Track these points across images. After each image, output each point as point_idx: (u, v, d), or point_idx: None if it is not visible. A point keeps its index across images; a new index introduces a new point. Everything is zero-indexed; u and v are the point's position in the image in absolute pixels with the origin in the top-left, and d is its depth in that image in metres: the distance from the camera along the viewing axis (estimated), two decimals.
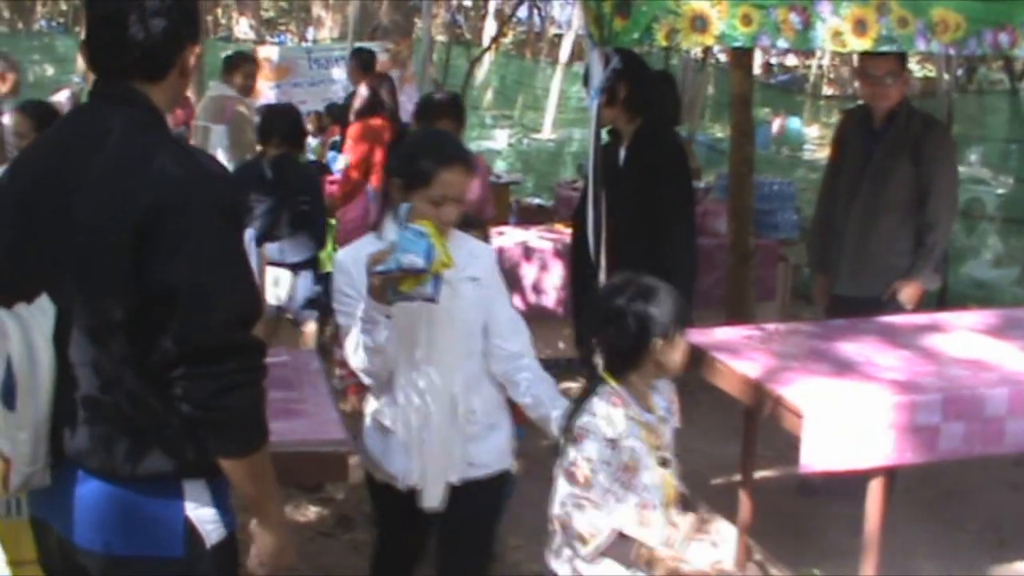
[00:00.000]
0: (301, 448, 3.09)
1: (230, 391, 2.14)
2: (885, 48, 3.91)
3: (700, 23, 3.57)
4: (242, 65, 8.01)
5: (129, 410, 2.19)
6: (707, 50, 11.05)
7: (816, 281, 5.45)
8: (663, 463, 2.91)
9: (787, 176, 10.74)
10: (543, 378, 3.22)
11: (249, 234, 3.60)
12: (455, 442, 3.14)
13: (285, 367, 3.81)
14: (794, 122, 21.17)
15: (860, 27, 3.76)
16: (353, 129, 7.09)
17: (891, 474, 3.71)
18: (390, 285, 2.81)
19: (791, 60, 30.69)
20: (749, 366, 3.87)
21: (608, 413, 2.85)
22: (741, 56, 6.69)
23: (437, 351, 3.10)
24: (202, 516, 2.26)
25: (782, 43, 3.73)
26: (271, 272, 5.63)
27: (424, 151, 3.05)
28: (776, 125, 20.14)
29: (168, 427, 2.18)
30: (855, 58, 5.17)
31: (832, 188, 5.16)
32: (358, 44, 12.60)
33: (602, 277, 3.93)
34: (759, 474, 4.67)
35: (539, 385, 3.19)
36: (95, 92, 2.32)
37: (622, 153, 4.65)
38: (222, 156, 7.59)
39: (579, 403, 2.93)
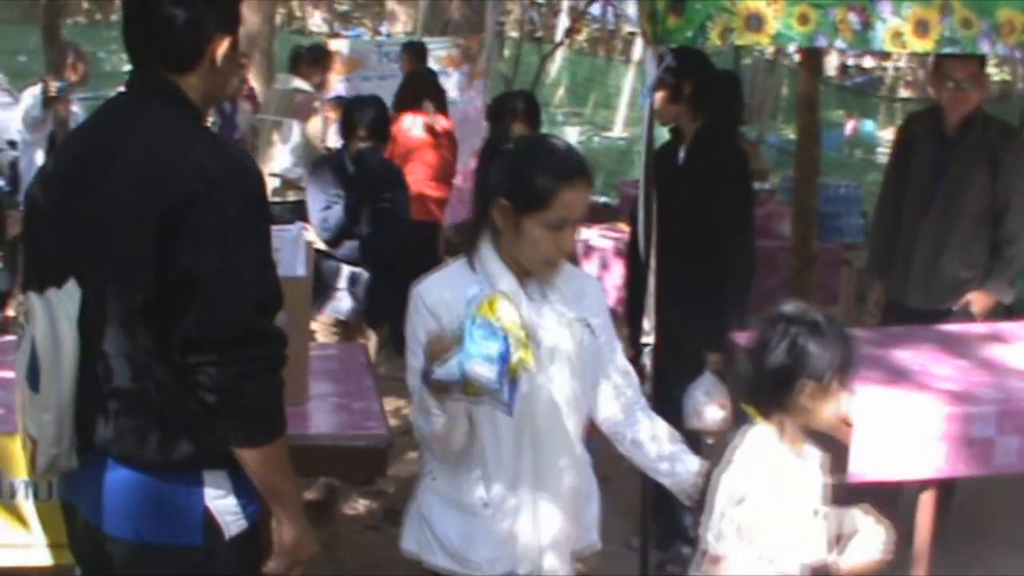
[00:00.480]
0: (340, 442, 3.10)
1: (248, 378, 2.15)
2: (948, 50, 3.81)
3: (755, 22, 3.51)
4: (322, 60, 7.99)
5: (151, 397, 2.21)
6: (779, 50, 10.89)
7: (873, 289, 5.27)
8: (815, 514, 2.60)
9: (859, 180, 10.58)
10: (664, 428, 2.81)
11: (297, 227, 3.62)
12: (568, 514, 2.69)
13: (332, 360, 3.83)
14: (868, 125, 20.81)
15: (921, 28, 3.66)
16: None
17: (945, 488, 3.62)
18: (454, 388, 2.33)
19: (868, 62, 30.22)
20: None
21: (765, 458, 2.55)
22: (810, 57, 6.57)
23: (539, 436, 2.60)
24: (222, 507, 2.27)
25: (839, 43, 3.65)
26: (347, 271, 5.34)
27: (540, 165, 2.50)
28: (849, 127, 19.84)
29: (189, 415, 2.19)
30: (931, 60, 5.02)
31: (895, 195, 4.99)
32: (423, 38, 12.63)
33: (651, 278, 3.88)
34: None
35: (663, 441, 2.77)
36: (130, 82, 2.36)
37: (682, 153, 4.58)
38: (291, 154, 7.66)
39: (719, 450, 2.60)
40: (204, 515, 2.25)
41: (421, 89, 7.83)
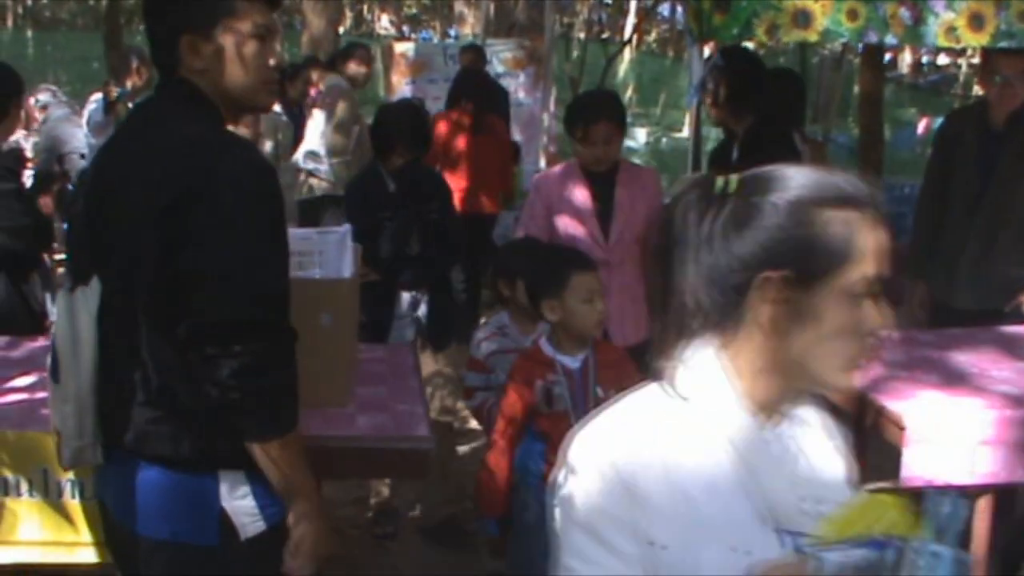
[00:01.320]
0: (383, 444, 3.09)
1: (250, 372, 2.15)
2: (1004, 44, 3.71)
3: (803, 18, 3.46)
4: (353, 54, 7.97)
5: (161, 394, 2.23)
6: (846, 47, 10.74)
7: (916, 288, 5.03)
8: None
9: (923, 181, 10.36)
10: None
11: (344, 228, 3.62)
12: None
13: (378, 362, 3.83)
14: (940, 123, 20.48)
15: (976, 22, 3.58)
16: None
17: (1007, 495, 3.52)
18: None
19: (943, 59, 29.70)
20: None
21: None
22: (872, 55, 6.48)
23: None
24: (239, 507, 2.27)
25: (890, 39, 3.58)
26: (406, 297, 4.82)
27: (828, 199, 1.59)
28: (922, 126, 19.51)
29: (200, 413, 2.21)
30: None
31: (939, 191, 4.84)
32: (488, 40, 12.67)
33: None
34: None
35: None
36: (158, 84, 2.41)
37: (735, 152, 4.53)
38: (319, 139, 7.81)
39: None
40: (220, 515, 2.26)
41: (458, 89, 8.01)
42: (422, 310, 4.84)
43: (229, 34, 2.30)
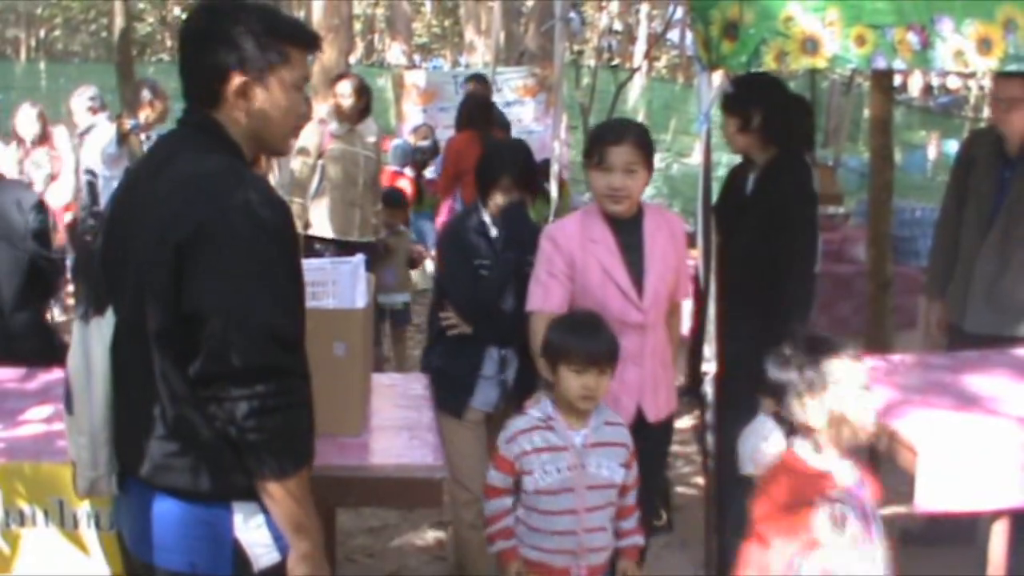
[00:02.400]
0: (395, 473, 3.10)
1: (264, 413, 2.16)
2: (1013, 67, 3.72)
3: (811, 45, 3.46)
4: (336, 84, 7.08)
5: (175, 428, 2.24)
6: (855, 71, 10.76)
7: (932, 309, 5.07)
8: None
9: (941, 202, 10.36)
10: None
11: (357, 259, 3.64)
12: None
13: (392, 390, 3.84)
14: (951, 146, 20.43)
15: (984, 45, 3.58)
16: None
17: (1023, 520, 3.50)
18: None
19: (954, 81, 29.66)
20: None
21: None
22: (881, 78, 6.48)
23: None
24: (252, 539, 2.28)
25: (898, 64, 3.58)
26: (495, 355, 4.27)
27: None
28: (933, 149, 19.51)
29: (213, 446, 2.23)
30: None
31: (956, 214, 4.86)
32: (498, 68, 12.73)
33: (712, 305, 3.83)
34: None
35: None
36: (180, 118, 2.43)
37: (750, 182, 4.49)
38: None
39: None
40: (234, 546, 2.27)
41: (462, 116, 8.26)
42: (509, 372, 4.29)
43: (277, 82, 2.34)
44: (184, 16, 2.39)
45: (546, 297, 3.72)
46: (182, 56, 2.35)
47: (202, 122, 2.34)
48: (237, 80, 2.30)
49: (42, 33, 32.97)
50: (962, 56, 3.59)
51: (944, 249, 4.96)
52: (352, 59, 28.85)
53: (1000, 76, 4.30)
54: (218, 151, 2.31)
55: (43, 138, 8.56)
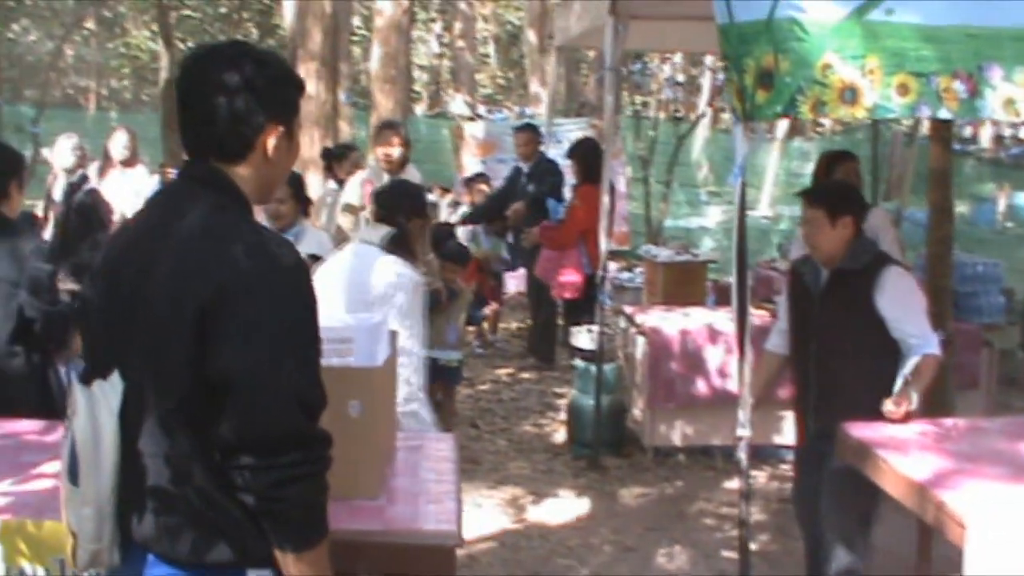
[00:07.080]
0: (408, 539, 2.97)
1: (289, 484, 2.09)
2: None
3: (849, 94, 3.31)
4: (379, 135, 7.51)
5: (189, 498, 2.16)
6: (917, 121, 10.56)
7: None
8: None
9: (1013, 256, 10.13)
10: None
11: (382, 316, 3.54)
12: None
13: (416, 451, 3.71)
14: (1021, 198, 19.98)
15: None
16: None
17: None
18: None
19: None
20: (915, 466, 3.52)
21: None
22: (940, 128, 6.30)
23: None
24: None
25: (944, 113, 3.42)
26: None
27: None
28: (1002, 201, 19.08)
29: (229, 516, 2.15)
30: None
31: None
32: (557, 119, 12.68)
33: (747, 368, 3.67)
34: None
35: None
36: (182, 172, 2.34)
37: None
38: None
39: None
40: None
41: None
42: None
43: (297, 129, 2.34)
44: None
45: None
46: (207, 108, 2.22)
47: (209, 175, 2.25)
48: (277, 131, 2.25)
49: (112, 83, 33.69)
50: (1013, 105, 3.42)
51: None
52: (418, 110, 29.12)
53: None
54: (230, 207, 2.23)
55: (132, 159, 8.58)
